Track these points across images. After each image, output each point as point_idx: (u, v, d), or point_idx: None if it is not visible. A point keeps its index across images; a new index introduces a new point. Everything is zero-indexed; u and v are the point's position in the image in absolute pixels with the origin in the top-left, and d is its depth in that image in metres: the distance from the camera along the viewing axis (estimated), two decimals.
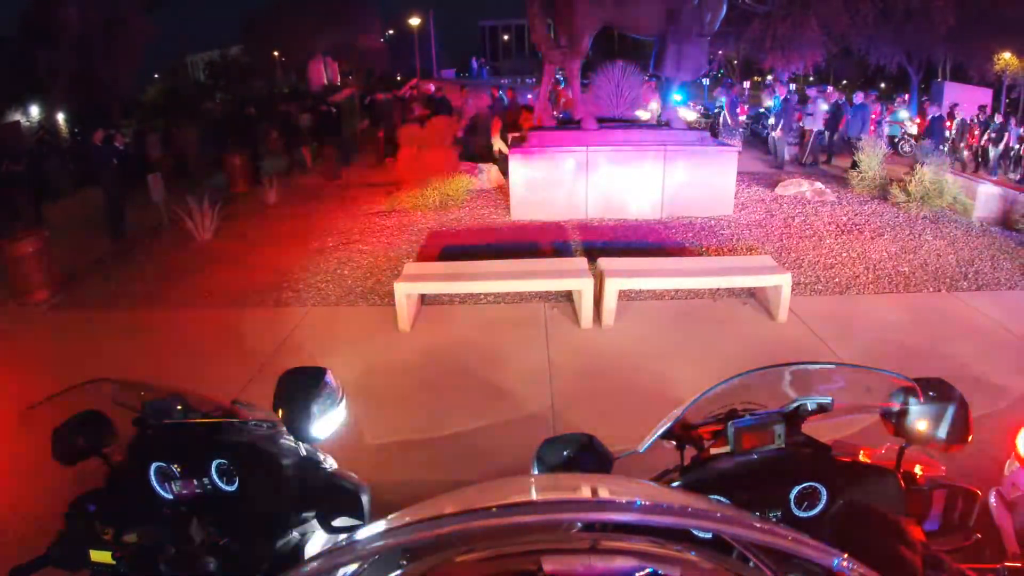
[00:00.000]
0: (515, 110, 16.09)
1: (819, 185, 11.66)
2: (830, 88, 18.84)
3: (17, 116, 25.14)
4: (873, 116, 16.84)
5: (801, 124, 16.29)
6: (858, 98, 16.34)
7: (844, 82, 40.19)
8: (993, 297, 7.30)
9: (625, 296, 6.88)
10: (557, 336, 6.39)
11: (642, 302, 7.13)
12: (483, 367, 5.75)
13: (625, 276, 6.67)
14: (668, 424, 1.97)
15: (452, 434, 4.79)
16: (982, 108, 18.75)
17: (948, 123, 17.28)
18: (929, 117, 16.03)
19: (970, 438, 1.97)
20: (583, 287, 6.49)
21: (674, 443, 2.07)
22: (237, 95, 30.71)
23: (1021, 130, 16.54)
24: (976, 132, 16.84)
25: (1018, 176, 15.29)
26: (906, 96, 24.74)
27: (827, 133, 16.34)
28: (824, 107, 16.07)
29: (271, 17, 35.38)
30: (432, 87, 21.11)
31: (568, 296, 7.08)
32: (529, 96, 20.16)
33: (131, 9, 26.16)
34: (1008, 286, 7.64)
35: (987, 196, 10.28)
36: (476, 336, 6.41)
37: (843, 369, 2.36)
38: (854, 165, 14.79)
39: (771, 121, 16.27)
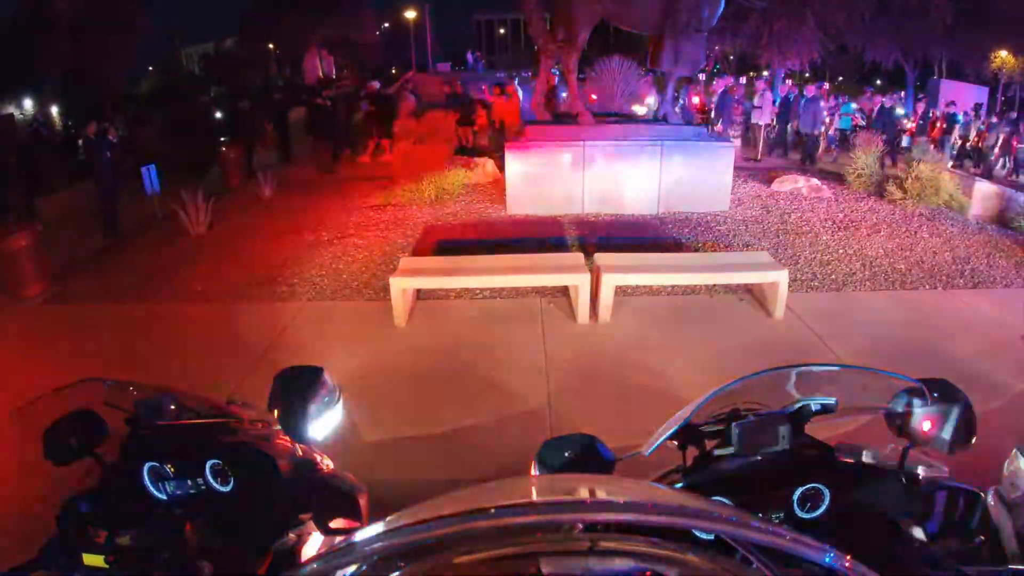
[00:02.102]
0: (468, 105, 15.96)
1: (815, 181, 11.65)
2: (821, 84, 18.76)
3: (11, 109, 24.98)
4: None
5: (748, 118, 16.16)
6: (809, 91, 16.12)
7: (840, 79, 40.25)
8: (989, 295, 7.31)
9: (621, 292, 6.87)
10: (553, 331, 6.37)
11: (638, 298, 7.11)
12: (479, 362, 5.73)
13: (621, 272, 6.66)
14: (674, 428, 1.95)
15: (448, 431, 4.77)
16: (977, 106, 18.76)
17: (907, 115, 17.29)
18: (877, 108, 15.90)
19: (974, 440, 1.96)
20: (580, 282, 6.47)
21: (676, 443, 2.05)
22: (232, 88, 30.52)
23: (980, 124, 16.54)
24: (939, 125, 16.80)
25: (980, 171, 15.32)
26: (902, 93, 24.75)
27: (778, 127, 16.22)
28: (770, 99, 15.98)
29: (266, 10, 35.20)
30: (376, 84, 20.54)
31: (564, 291, 7.07)
32: (483, 86, 19.82)
33: (126, 1, 25.98)
34: (1004, 284, 7.65)
35: (983, 194, 10.29)
36: (472, 331, 6.39)
37: (847, 371, 2.34)
38: (803, 159, 14.79)
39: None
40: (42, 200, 12.03)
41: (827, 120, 16.49)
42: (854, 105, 18.31)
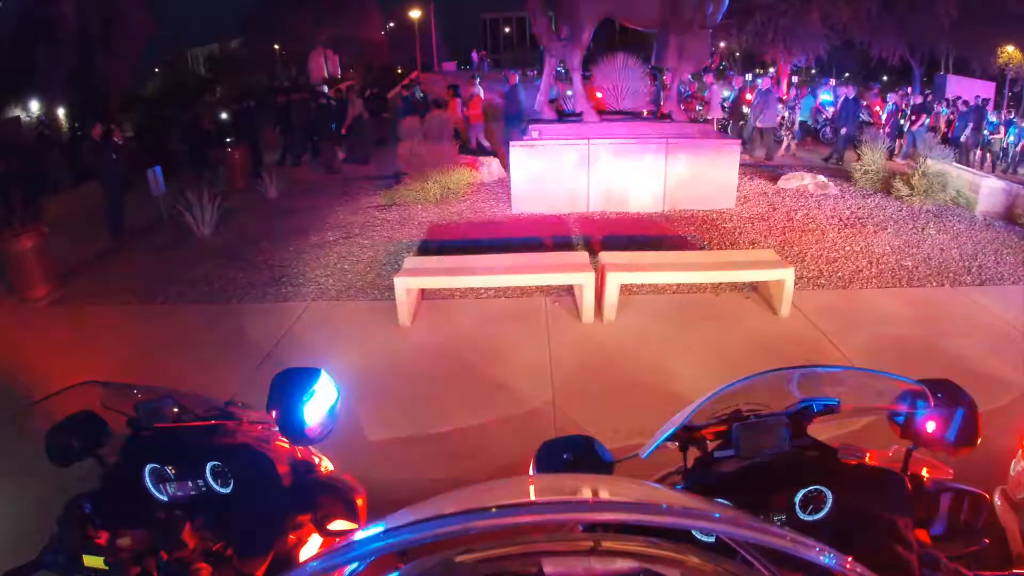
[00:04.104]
0: (423, 105, 16.04)
1: (821, 178, 11.60)
2: (827, 80, 18.59)
3: (17, 112, 25.07)
4: (783, 101, 16.53)
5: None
6: (764, 84, 15.90)
7: (847, 74, 40.06)
8: (997, 292, 7.25)
9: (626, 290, 6.84)
10: (558, 331, 6.35)
11: (644, 296, 7.09)
12: (484, 362, 5.72)
13: (626, 270, 6.63)
14: (671, 431, 1.93)
15: (452, 430, 4.76)
16: (984, 101, 18.59)
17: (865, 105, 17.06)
18: (840, 99, 15.67)
19: (979, 441, 1.94)
20: (584, 281, 6.46)
21: (677, 444, 2.04)
22: (237, 89, 30.54)
23: (947, 110, 16.36)
24: (912, 117, 16.64)
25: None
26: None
27: (731, 122, 16.04)
28: (726, 94, 15.81)
29: (271, 10, 35.26)
30: (326, 88, 20.11)
31: (569, 290, 7.05)
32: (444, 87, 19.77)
33: (131, 3, 26.04)
34: (1012, 281, 7.58)
35: (990, 190, 10.21)
36: (477, 331, 6.38)
37: (850, 373, 2.32)
38: (752, 153, 14.66)
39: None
40: (48, 202, 12.08)
41: (784, 113, 16.36)
42: (811, 99, 18.12)
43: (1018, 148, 15.46)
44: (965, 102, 16.58)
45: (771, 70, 30.98)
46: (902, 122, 16.27)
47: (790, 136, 16.04)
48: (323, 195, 12.08)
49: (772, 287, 6.75)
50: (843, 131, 14.52)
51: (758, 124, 14.72)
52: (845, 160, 13.99)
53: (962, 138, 15.32)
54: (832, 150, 14.86)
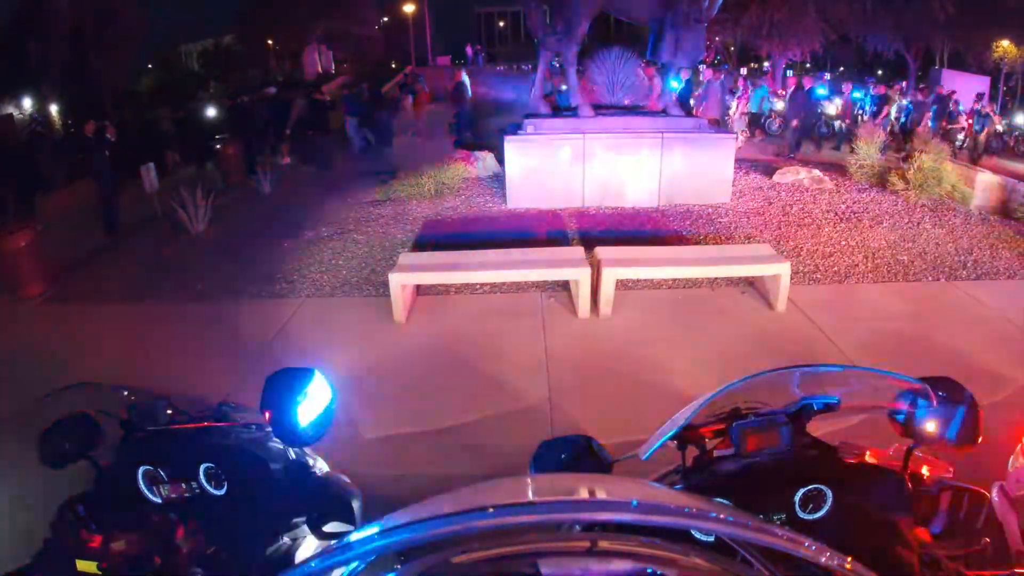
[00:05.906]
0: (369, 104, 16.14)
1: (817, 173, 11.59)
2: (821, 74, 18.54)
3: (10, 109, 24.96)
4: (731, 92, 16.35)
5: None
6: (706, 75, 15.68)
7: (841, 69, 40.11)
8: (992, 286, 7.26)
9: (623, 285, 6.83)
10: (554, 326, 6.34)
11: (640, 291, 7.08)
12: (479, 358, 5.70)
13: (622, 265, 6.63)
14: (672, 431, 1.92)
15: (448, 427, 4.75)
16: (922, 89, 18.39)
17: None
18: (790, 90, 15.54)
19: (980, 439, 1.93)
20: (580, 276, 6.44)
21: (676, 443, 2.02)
22: (232, 85, 30.42)
23: (905, 101, 16.29)
24: (874, 109, 16.54)
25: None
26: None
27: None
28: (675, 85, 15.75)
29: (265, 5, 35.13)
30: (272, 89, 18.93)
31: (565, 285, 7.03)
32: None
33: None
34: (1007, 275, 7.59)
35: (986, 184, 10.22)
36: (472, 327, 6.36)
37: (851, 372, 2.30)
38: None
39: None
40: (42, 199, 12.01)
41: (732, 105, 16.25)
42: (767, 89, 17.94)
43: (982, 137, 15.43)
44: (924, 90, 16.52)
45: (766, 64, 30.97)
46: (857, 112, 16.19)
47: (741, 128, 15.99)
48: (317, 190, 12.03)
49: (768, 282, 6.75)
50: (793, 124, 14.47)
51: (703, 115, 14.73)
52: (795, 152, 14.08)
53: (919, 128, 15.22)
54: (801, 145, 14.74)
